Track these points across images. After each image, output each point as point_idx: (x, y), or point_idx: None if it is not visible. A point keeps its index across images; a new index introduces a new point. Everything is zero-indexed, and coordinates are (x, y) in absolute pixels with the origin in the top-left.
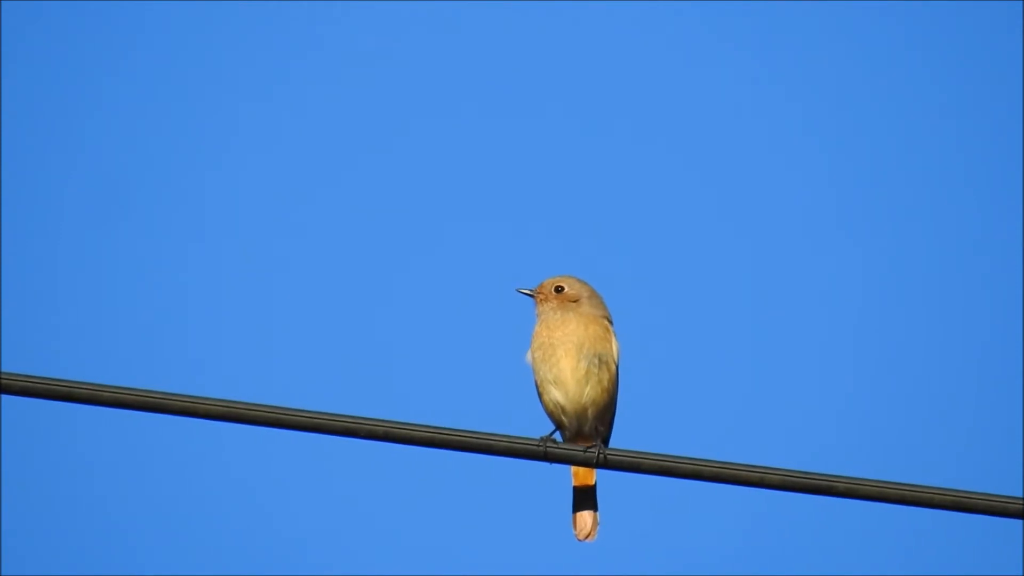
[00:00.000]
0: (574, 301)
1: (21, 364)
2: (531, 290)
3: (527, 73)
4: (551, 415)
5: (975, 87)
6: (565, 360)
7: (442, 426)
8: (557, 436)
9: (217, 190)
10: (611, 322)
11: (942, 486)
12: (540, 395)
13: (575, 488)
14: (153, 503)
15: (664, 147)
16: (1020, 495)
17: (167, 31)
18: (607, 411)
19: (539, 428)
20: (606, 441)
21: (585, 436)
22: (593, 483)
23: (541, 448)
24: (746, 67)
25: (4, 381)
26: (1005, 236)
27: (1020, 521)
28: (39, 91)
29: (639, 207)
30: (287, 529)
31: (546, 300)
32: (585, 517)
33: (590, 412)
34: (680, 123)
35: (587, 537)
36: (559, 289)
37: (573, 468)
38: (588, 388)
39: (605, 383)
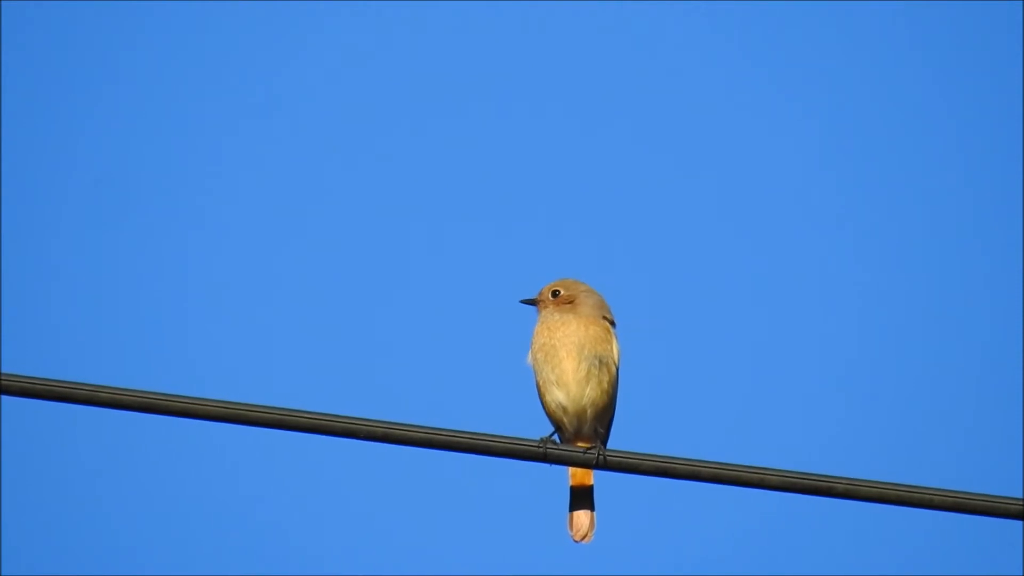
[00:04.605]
0: (571, 302)
1: (21, 364)
2: (532, 299)
3: (527, 73)
4: (552, 415)
5: (975, 87)
6: (567, 361)
7: (442, 427)
8: (556, 438)
9: (217, 190)
10: (613, 323)
11: (941, 487)
12: (541, 395)
13: (572, 488)
14: (152, 503)
15: (664, 147)
16: (1020, 495)
17: (166, 31)
18: (606, 412)
19: (538, 429)
20: (604, 442)
21: (584, 437)
22: (591, 483)
23: (541, 449)
24: (746, 67)
25: (4, 382)
26: (1005, 236)
27: (1020, 521)
28: (39, 91)
29: (639, 207)
30: (287, 529)
31: (546, 306)
32: (581, 518)
33: (589, 412)
34: (680, 123)
35: (583, 538)
36: (555, 294)
37: (571, 468)
38: (588, 389)
39: (605, 384)
